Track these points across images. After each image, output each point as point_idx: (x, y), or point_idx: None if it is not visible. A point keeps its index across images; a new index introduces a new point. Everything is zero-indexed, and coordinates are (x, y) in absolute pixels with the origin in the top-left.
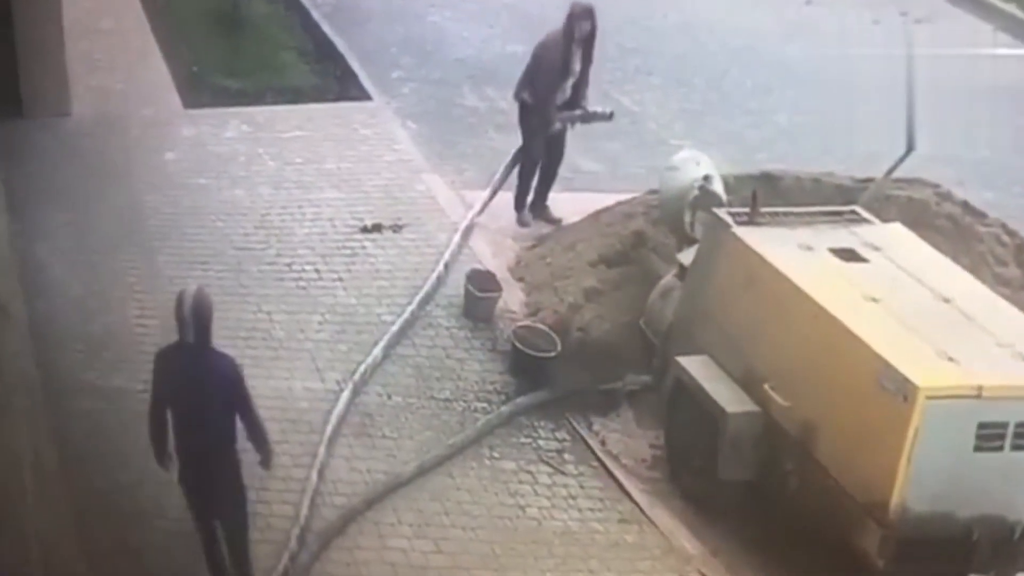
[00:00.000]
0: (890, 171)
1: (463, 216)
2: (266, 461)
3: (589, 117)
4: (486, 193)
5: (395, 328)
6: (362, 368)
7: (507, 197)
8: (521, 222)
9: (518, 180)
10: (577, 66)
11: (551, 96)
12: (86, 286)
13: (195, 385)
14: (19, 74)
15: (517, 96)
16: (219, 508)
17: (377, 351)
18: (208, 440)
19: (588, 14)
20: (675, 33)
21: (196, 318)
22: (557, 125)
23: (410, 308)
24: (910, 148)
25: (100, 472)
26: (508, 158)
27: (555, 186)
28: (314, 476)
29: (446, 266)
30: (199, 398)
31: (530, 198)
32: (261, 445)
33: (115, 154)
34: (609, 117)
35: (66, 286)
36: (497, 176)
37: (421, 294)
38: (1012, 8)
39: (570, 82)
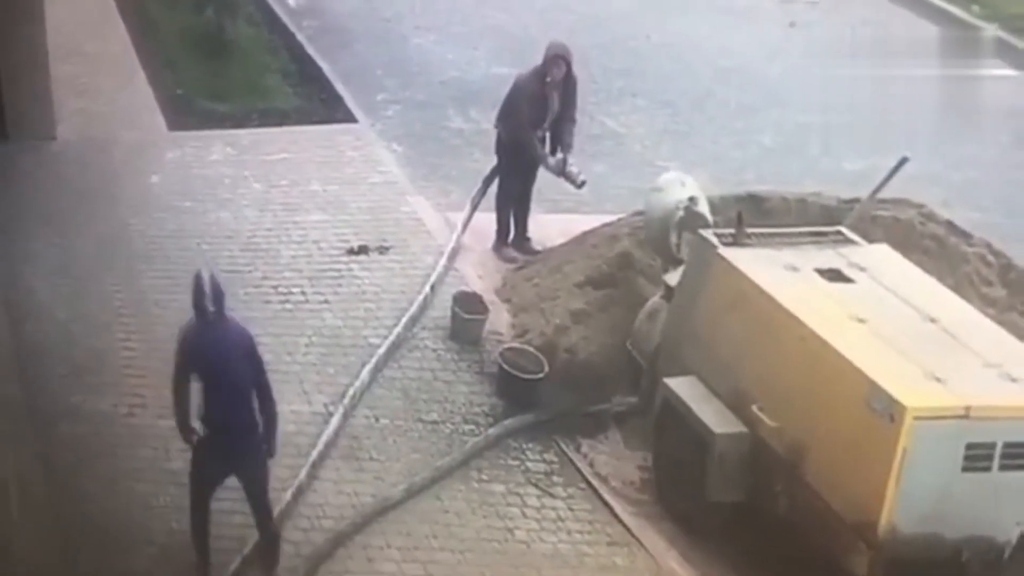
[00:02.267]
0: (877, 189)
1: (449, 238)
2: (271, 447)
3: (563, 171)
4: (465, 212)
5: (382, 350)
6: (351, 391)
7: (491, 219)
8: (504, 258)
9: (496, 215)
10: (556, 105)
11: (525, 134)
12: (71, 309)
13: (220, 350)
14: (3, 97)
15: (496, 125)
16: (243, 463)
17: (365, 373)
18: (234, 399)
19: (562, 59)
20: (659, 54)
21: (215, 292)
22: (539, 158)
23: (397, 330)
24: (905, 157)
25: (86, 496)
26: (485, 175)
27: (540, 208)
28: (287, 496)
29: (432, 288)
30: (224, 362)
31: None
32: (270, 422)
33: (100, 177)
34: (579, 186)
35: (51, 309)
36: (474, 193)
37: (408, 316)
38: (994, 29)
39: (548, 120)
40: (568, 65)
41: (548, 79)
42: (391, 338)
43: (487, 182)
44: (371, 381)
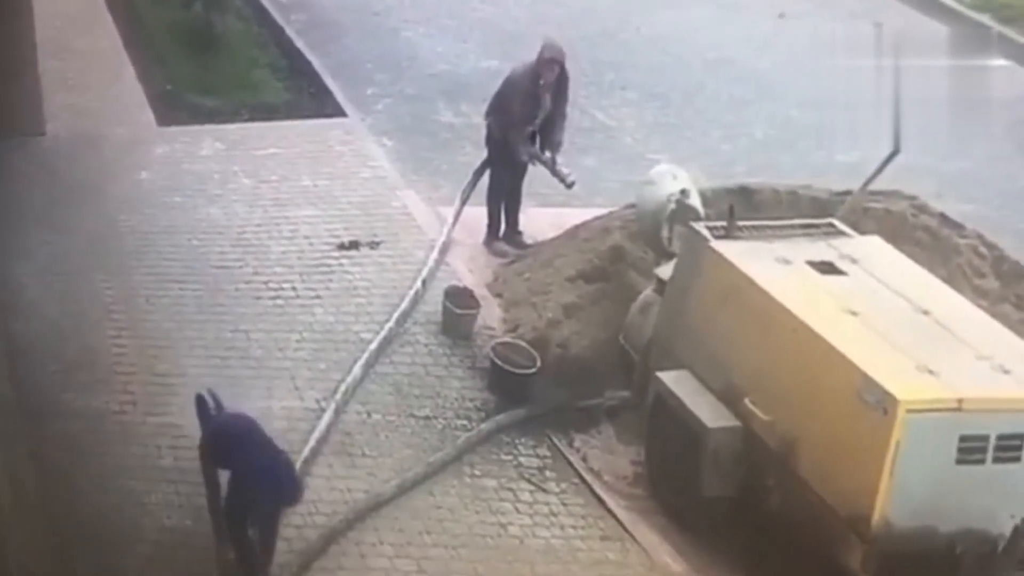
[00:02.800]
0: (868, 181)
1: (439, 232)
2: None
3: (552, 170)
4: (455, 206)
5: (374, 346)
6: (343, 387)
7: (482, 213)
8: (495, 252)
9: (487, 209)
10: (548, 104)
11: (516, 131)
12: (61, 306)
13: (242, 441)
14: None
15: (486, 117)
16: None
17: (357, 369)
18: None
19: (556, 62)
20: (649, 47)
21: (215, 401)
22: (524, 157)
23: (388, 325)
24: (896, 150)
25: (77, 494)
26: (475, 168)
27: (531, 201)
28: None
29: (424, 283)
30: (247, 449)
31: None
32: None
33: (90, 173)
34: (568, 186)
35: (41, 306)
36: (464, 186)
37: (399, 311)
38: (986, 19)
39: (540, 117)
40: (562, 66)
41: (541, 81)
42: (383, 333)
43: (477, 175)
44: (363, 377)
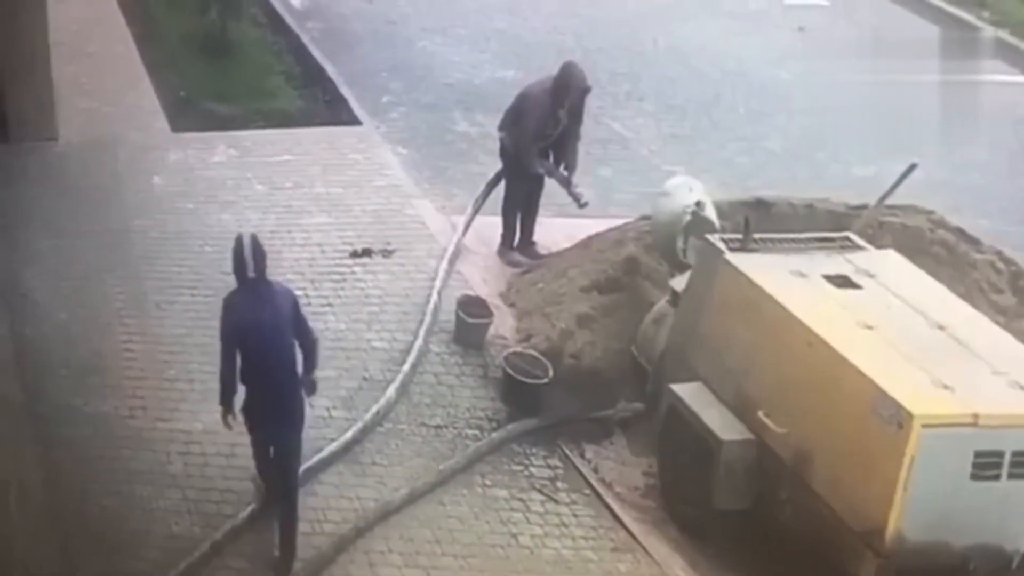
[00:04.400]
0: (887, 194)
1: (452, 241)
2: (310, 384)
3: (567, 188)
4: (467, 214)
5: (407, 367)
6: (375, 408)
7: (497, 222)
8: (509, 262)
9: (502, 219)
10: (563, 120)
11: (530, 147)
12: (72, 311)
13: (264, 313)
14: (5, 98)
15: (500, 130)
16: (279, 430)
17: (391, 391)
18: (277, 363)
19: (581, 91)
20: (666, 58)
21: (256, 255)
22: (539, 171)
23: (418, 343)
24: (914, 164)
25: (86, 499)
26: (489, 178)
27: (546, 212)
28: None
29: (439, 295)
30: (269, 324)
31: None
32: (310, 361)
33: (102, 178)
34: (581, 206)
35: (52, 311)
36: (477, 195)
37: (424, 327)
38: (1005, 35)
39: (554, 135)
40: (583, 94)
41: (565, 103)
42: (414, 352)
43: (490, 186)
44: (397, 399)
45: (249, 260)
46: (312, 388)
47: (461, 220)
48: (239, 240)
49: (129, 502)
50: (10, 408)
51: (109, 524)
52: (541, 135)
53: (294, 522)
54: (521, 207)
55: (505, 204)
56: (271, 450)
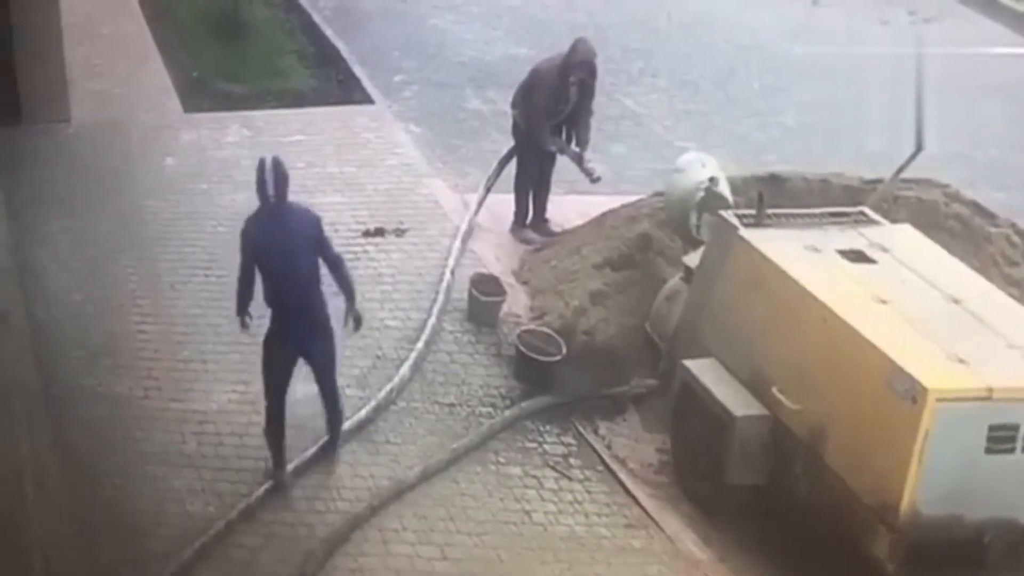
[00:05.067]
0: (899, 171)
1: (465, 220)
2: (355, 319)
3: (579, 164)
4: (479, 193)
5: (420, 345)
6: (388, 387)
7: (509, 200)
8: (522, 239)
9: (515, 197)
10: (574, 97)
11: (541, 123)
12: (86, 292)
13: (284, 234)
14: (18, 79)
15: (512, 107)
16: (312, 345)
17: (405, 370)
18: (300, 281)
19: (588, 64)
20: (680, 34)
21: (277, 176)
22: (551, 148)
23: (431, 322)
24: (919, 148)
25: (100, 479)
26: (501, 155)
27: (559, 189)
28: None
29: (452, 273)
30: (289, 245)
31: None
32: (347, 291)
33: (115, 159)
34: (594, 181)
35: (66, 292)
36: (489, 174)
37: (437, 306)
38: (1021, 7)
39: (565, 112)
40: (592, 68)
41: (572, 80)
42: (427, 331)
43: (502, 164)
44: (411, 377)
45: (269, 181)
46: (358, 322)
47: (474, 198)
48: (261, 162)
49: (143, 482)
50: (25, 389)
51: (124, 504)
52: (552, 112)
53: (336, 409)
54: (533, 184)
55: (517, 182)
56: (289, 371)
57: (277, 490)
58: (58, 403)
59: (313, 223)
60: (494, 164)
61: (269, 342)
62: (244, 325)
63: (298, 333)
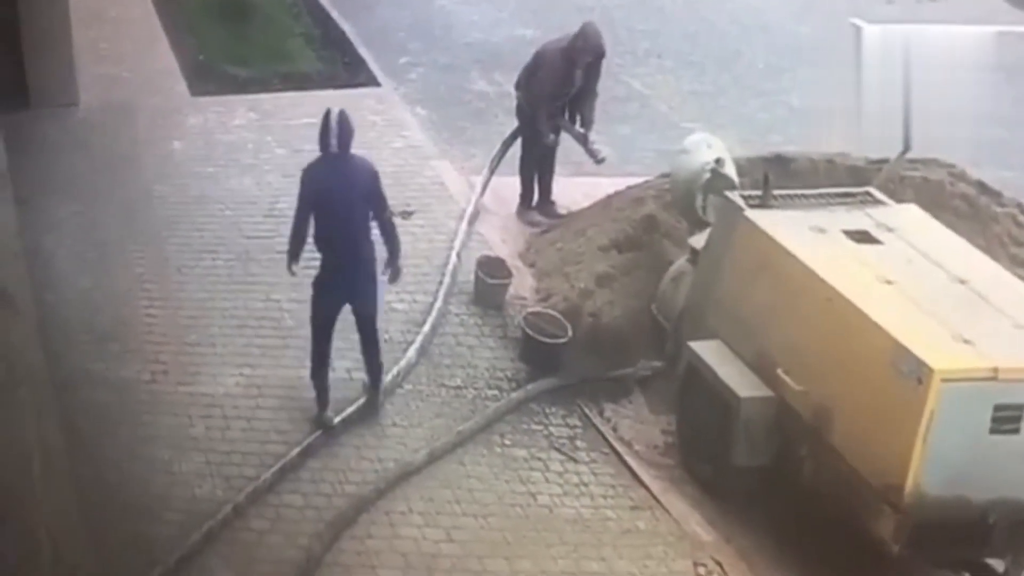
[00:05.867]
0: (894, 163)
1: (471, 202)
2: (395, 271)
3: (584, 145)
4: (484, 175)
5: (427, 329)
6: (395, 369)
7: (515, 183)
8: (528, 221)
9: (520, 179)
10: (579, 80)
11: (546, 105)
12: (94, 277)
13: (342, 184)
14: (25, 64)
15: (516, 89)
16: (358, 294)
17: (412, 353)
18: (352, 231)
19: (595, 49)
20: (686, 14)
21: (341, 128)
22: (548, 139)
23: (437, 305)
24: (906, 148)
25: (108, 463)
26: (505, 137)
27: (565, 171)
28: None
29: (459, 256)
30: (346, 193)
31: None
32: (392, 246)
33: (122, 143)
34: (599, 162)
35: (74, 277)
36: (493, 155)
37: (444, 289)
38: None
39: (570, 93)
40: (599, 55)
41: (579, 63)
42: (433, 314)
43: (506, 145)
44: (417, 361)
45: (334, 131)
46: (395, 274)
47: (479, 180)
48: (327, 112)
49: (151, 465)
50: (32, 374)
51: (132, 487)
52: (555, 95)
53: (377, 357)
54: (538, 166)
55: (522, 164)
56: (335, 315)
57: (326, 433)
58: (65, 387)
59: (371, 175)
60: (498, 146)
61: (318, 286)
62: (291, 271)
63: (346, 279)
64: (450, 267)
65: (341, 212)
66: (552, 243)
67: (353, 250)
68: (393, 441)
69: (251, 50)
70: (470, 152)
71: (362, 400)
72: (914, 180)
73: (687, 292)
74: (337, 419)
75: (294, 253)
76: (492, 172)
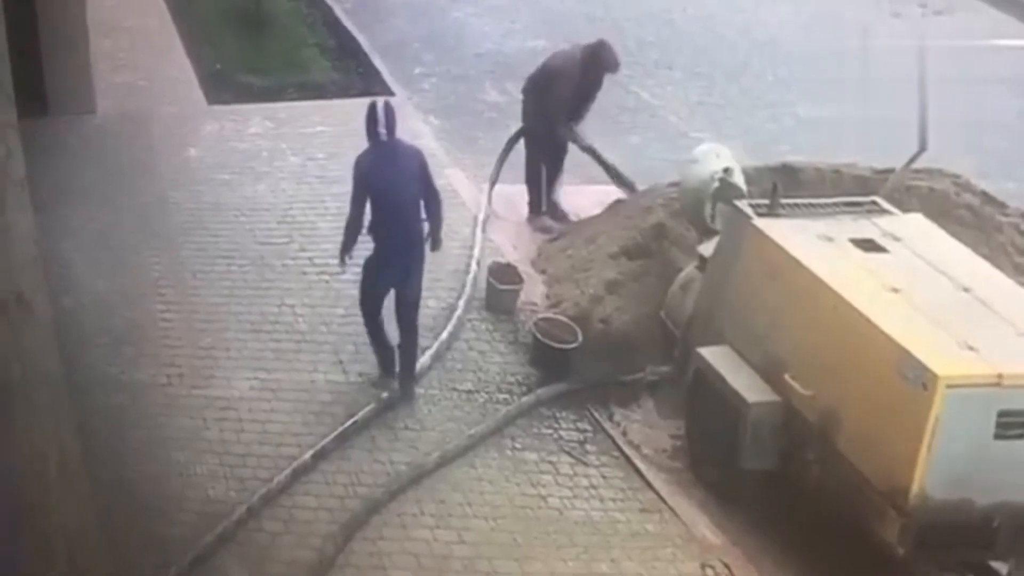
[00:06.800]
0: (907, 165)
1: (484, 210)
2: (436, 241)
3: (594, 157)
4: (491, 178)
5: (444, 336)
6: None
7: (523, 190)
8: (539, 227)
9: (528, 188)
10: (593, 100)
11: (560, 116)
12: (110, 282)
13: (396, 169)
14: (44, 72)
15: (525, 93)
16: (406, 276)
17: (426, 358)
18: (405, 215)
19: (616, 66)
20: (695, 26)
21: (388, 117)
22: (575, 141)
23: (457, 314)
24: (922, 148)
25: (124, 466)
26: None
27: (575, 178)
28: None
29: (478, 263)
30: (398, 178)
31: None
32: (436, 220)
33: (139, 151)
34: (614, 175)
35: (90, 282)
36: (499, 156)
37: (464, 298)
38: None
39: (590, 106)
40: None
41: (599, 78)
42: (452, 322)
43: (511, 143)
44: (431, 366)
45: (382, 121)
46: (436, 244)
47: (488, 187)
48: (373, 104)
49: (166, 468)
50: (49, 377)
51: (147, 490)
52: (567, 104)
53: (415, 347)
54: (548, 167)
55: (528, 172)
56: (384, 296)
57: (394, 399)
58: (81, 390)
59: (418, 157)
60: (503, 146)
61: (369, 268)
62: (343, 263)
63: (400, 261)
64: (471, 276)
65: (396, 197)
66: (562, 250)
67: (406, 233)
68: (405, 444)
69: (266, 59)
70: (482, 161)
71: (395, 387)
72: (919, 190)
73: (696, 299)
74: (364, 410)
75: (348, 245)
76: (498, 173)
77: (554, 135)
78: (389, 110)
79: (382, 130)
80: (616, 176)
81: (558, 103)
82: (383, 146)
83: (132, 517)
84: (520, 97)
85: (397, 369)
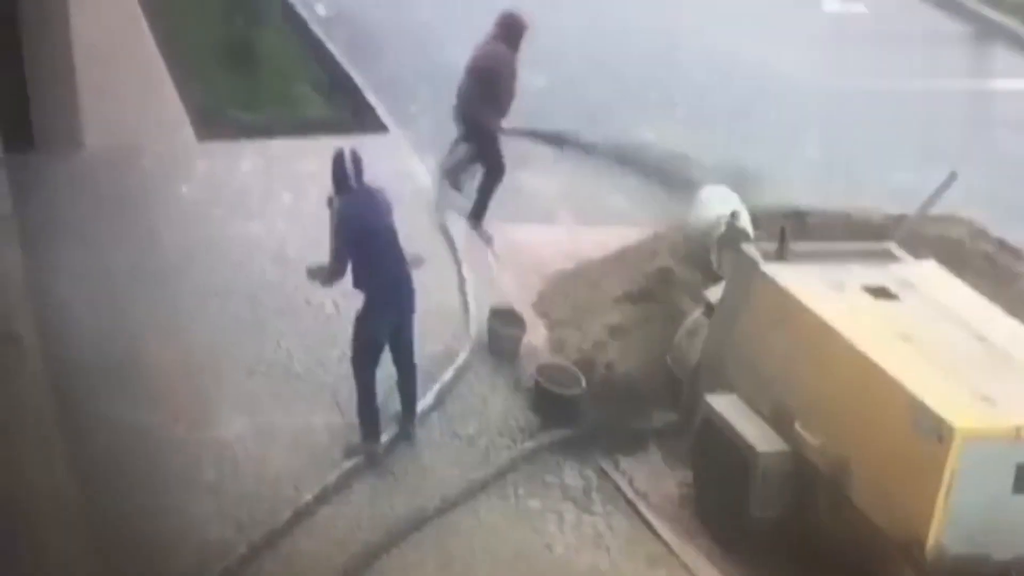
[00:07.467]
0: (926, 205)
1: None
2: (416, 260)
3: (538, 136)
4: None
5: (447, 378)
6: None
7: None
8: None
9: (480, 195)
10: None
11: (509, 105)
12: (100, 320)
13: (378, 214)
14: (30, 106)
15: (466, 115)
16: (405, 318)
17: (429, 399)
18: (399, 254)
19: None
20: (700, 67)
21: (356, 165)
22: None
23: (463, 356)
24: (953, 175)
25: (119, 508)
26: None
27: (579, 220)
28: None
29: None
30: (386, 222)
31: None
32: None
33: (129, 187)
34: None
35: (80, 320)
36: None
37: (471, 342)
38: None
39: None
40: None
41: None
42: (456, 364)
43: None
44: (435, 405)
45: (351, 171)
46: (418, 262)
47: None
48: (339, 153)
49: (162, 510)
50: (40, 413)
51: (142, 532)
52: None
53: (414, 385)
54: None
55: (488, 183)
56: (381, 350)
57: (371, 463)
58: (74, 431)
59: (388, 199)
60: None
61: (364, 321)
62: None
63: (396, 305)
64: (473, 325)
65: (386, 239)
66: (565, 294)
67: (401, 273)
68: (406, 489)
69: (258, 95)
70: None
71: (395, 431)
72: (933, 237)
73: (703, 345)
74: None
75: (326, 282)
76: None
77: (492, 132)
78: (356, 158)
79: (353, 179)
80: (560, 142)
81: (506, 102)
82: (359, 194)
83: (127, 559)
84: (521, 141)
85: (381, 431)
